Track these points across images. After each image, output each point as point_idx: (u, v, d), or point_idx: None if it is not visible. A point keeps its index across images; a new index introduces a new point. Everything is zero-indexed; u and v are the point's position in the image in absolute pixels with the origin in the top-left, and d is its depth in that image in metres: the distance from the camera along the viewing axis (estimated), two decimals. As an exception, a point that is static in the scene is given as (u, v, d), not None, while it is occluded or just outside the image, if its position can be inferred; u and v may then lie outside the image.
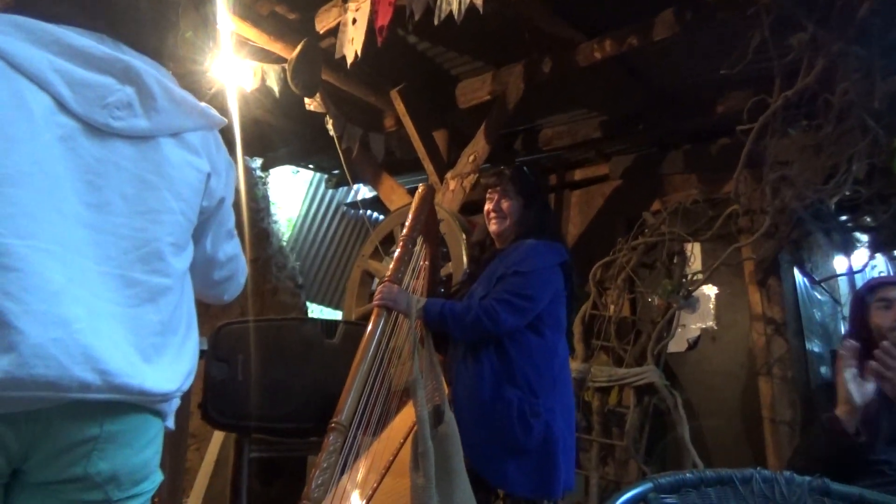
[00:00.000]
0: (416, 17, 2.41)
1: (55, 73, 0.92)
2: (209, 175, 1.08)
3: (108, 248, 0.94)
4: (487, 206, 2.23)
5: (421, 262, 2.27)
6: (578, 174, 4.56)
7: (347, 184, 5.49)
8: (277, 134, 4.42)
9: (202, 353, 2.37)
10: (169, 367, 0.99)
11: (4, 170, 0.86)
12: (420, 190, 2.21)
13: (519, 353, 1.96)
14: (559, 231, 2.56)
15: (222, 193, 1.13)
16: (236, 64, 3.04)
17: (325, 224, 6.03)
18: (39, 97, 0.91)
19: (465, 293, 2.19)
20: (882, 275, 2.83)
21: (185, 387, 1.03)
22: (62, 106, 0.93)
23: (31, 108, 0.90)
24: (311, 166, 5.33)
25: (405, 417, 2.10)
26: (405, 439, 2.01)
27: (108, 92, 0.96)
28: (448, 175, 3.69)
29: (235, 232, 1.24)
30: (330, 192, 5.91)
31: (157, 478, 1.02)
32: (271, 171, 5.29)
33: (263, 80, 3.13)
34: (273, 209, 5.32)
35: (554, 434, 1.90)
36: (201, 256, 1.15)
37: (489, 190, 2.24)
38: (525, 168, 2.33)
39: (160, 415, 1.01)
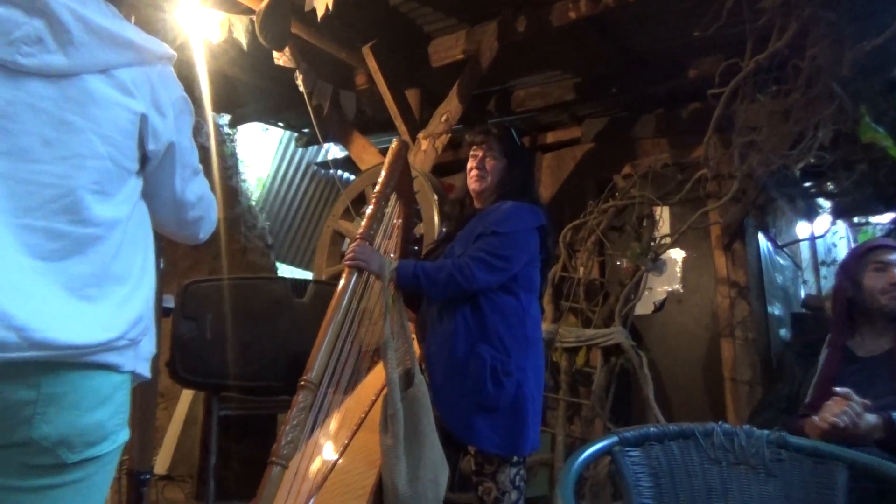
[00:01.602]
0: (390, -30, 2.35)
1: None
2: (145, 116, 1.00)
3: (28, 198, 0.88)
4: (470, 164, 2.21)
5: (394, 221, 2.25)
6: (551, 137, 4.55)
7: (318, 143, 5.41)
8: (246, 89, 4.31)
9: (168, 311, 2.33)
10: (108, 316, 0.93)
11: None
12: (394, 145, 2.17)
13: (493, 312, 1.97)
14: (539, 194, 2.56)
15: (171, 136, 1.06)
16: (202, 14, 2.93)
17: (296, 183, 5.94)
18: None
19: (441, 252, 2.19)
20: (880, 238, 2.90)
21: (132, 334, 0.97)
22: None
23: None
24: (280, 124, 5.22)
25: (376, 376, 2.11)
26: (377, 397, 2.03)
27: (13, 26, 0.89)
28: (420, 135, 3.65)
29: (201, 169, 1.18)
30: (300, 150, 5.81)
31: (121, 437, 0.98)
32: (240, 128, 5.17)
33: (231, 31, 3.03)
34: (242, 168, 5.22)
35: (524, 393, 1.93)
36: (170, 198, 1.11)
37: (473, 147, 2.22)
38: (511, 129, 2.31)
39: (113, 368, 0.95)
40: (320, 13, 2.64)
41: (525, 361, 1.98)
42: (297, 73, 3.25)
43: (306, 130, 5.27)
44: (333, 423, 2.02)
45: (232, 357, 2.54)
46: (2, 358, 0.83)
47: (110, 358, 0.94)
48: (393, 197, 2.19)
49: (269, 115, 4.96)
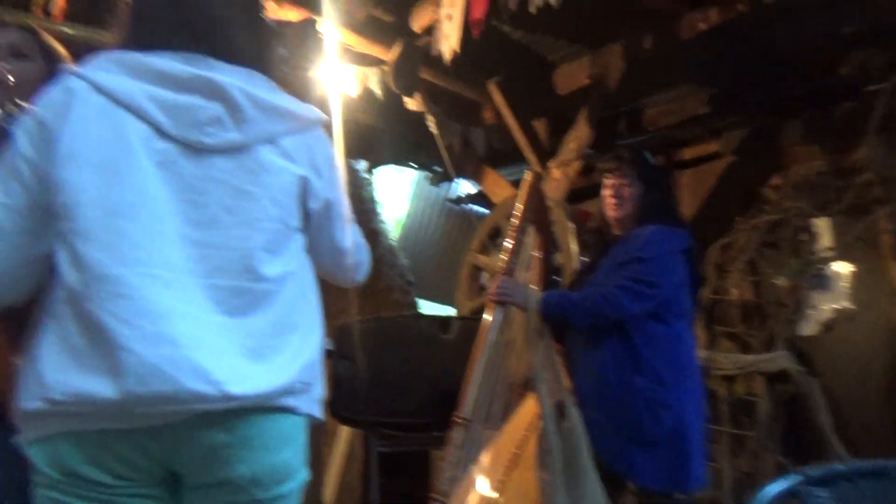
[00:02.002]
0: (512, 8, 2.39)
1: (150, 101, 0.97)
2: (306, 178, 1.09)
3: (215, 261, 0.98)
4: (606, 192, 2.17)
5: (532, 253, 2.25)
6: (688, 153, 4.35)
7: (450, 180, 5.54)
8: (379, 135, 4.51)
9: (328, 353, 2.46)
10: (286, 363, 1.01)
11: (111, 204, 0.93)
12: (527, 178, 2.19)
13: (644, 342, 1.90)
14: (681, 216, 2.46)
15: (328, 193, 1.14)
16: (339, 70, 3.13)
17: (432, 221, 6.10)
18: (138, 127, 0.97)
19: (584, 282, 2.15)
20: None
21: (306, 378, 1.04)
22: (159, 131, 0.98)
23: (131, 140, 0.96)
24: (413, 164, 5.41)
25: (527, 410, 2.09)
26: (528, 431, 2.01)
27: (198, 111, 0.99)
28: (551, 164, 3.63)
29: (353, 218, 1.25)
30: (434, 188, 5.97)
31: (302, 476, 1.05)
32: (376, 171, 5.42)
33: (366, 83, 3.21)
34: (380, 209, 5.45)
35: (684, 425, 1.84)
36: (329, 249, 1.18)
37: (606, 175, 2.18)
38: (644, 152, 2.25)
39: (292, 411, 1.03)
40: (447, 57, 2.72)
41: (682, 391, 1.89)
42: (428, 115, 3.37)
43: (438, 169, 5.42)
44: (487, 459, 2.02)
45: (384, 394, 2.62)
46: (205, 408, 0.92)
47: (289, 401, 1.01)
48: (530, 229, 2.19)
49: (402, 157, 5.16)
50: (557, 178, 3.57)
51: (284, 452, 1.02)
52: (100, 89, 0.96)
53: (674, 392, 1.85)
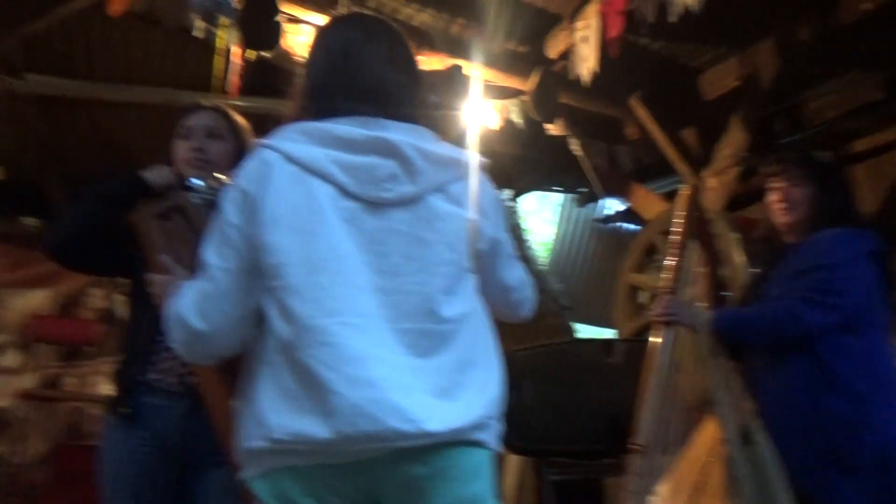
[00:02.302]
0: (651, 20, 2.34)
1: (334, 165, 1.07)
2: (475, 220, 1.14)
3: (402, 306, 1.05)
4: (773, 197, 2.02)
5: (697, 269, 2.16)
6: (860, 145, 3.97)
7: (596, 200, 5.45)
8: (522, 163, 4.56)
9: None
10: (473, 399, 1.06)
11: (311, 261, 1.02)
12: (683, 191, 2.12)
13: (837, 357, 1.74)
14: (862, 215, 2.23)
15: (494, 233, 1.19)
16: (480, 105, 3.22)
17: (580, 242, 6.03)
18: (326, 189, 1.06)
19: (756, 296, 2.02)
20: None
21: (492, 412, 1.09)
22: (344, 191, 1.07)
23: (321, 202, 1.05)
24: (558, 188, 5.40)
25: (706, 434, 1.98)
26: (710, 457, 1.90)
27: (376, 169, 1.08)
28: (705, 173, 3.47)
29: (517, 255, 1.29)
30: (580, 210, 5.91)
31: None
32: (520, 199, 5.47)
33: (507, 115, 3.27)
34: (527, 235, 5.48)
35: (891, 447, 1.65)
36: (497, 287, 1.22)
37: (771, 179, 2.04)
38: (811, 151, 2.10)
39: (481, 444, 1.07)
40: (586, 79, 2.72)
41: (885, 409, 1.70)
42: (571, 138, 3.36)
43: (583, 190, 5.36)
44: (666, 488, 1.94)
45: (552, 422, 2.61)
46: (405, 445, 0.99)
47: (479, 435, 1.06)
48: (692, 244, 2.11)
49: (546, 182, 5.17)
50: (714, 188, 3.40)
51: (476, 484, 1.06)
52: (290, 158, 1.07)
53: (876, 411, 1.67)
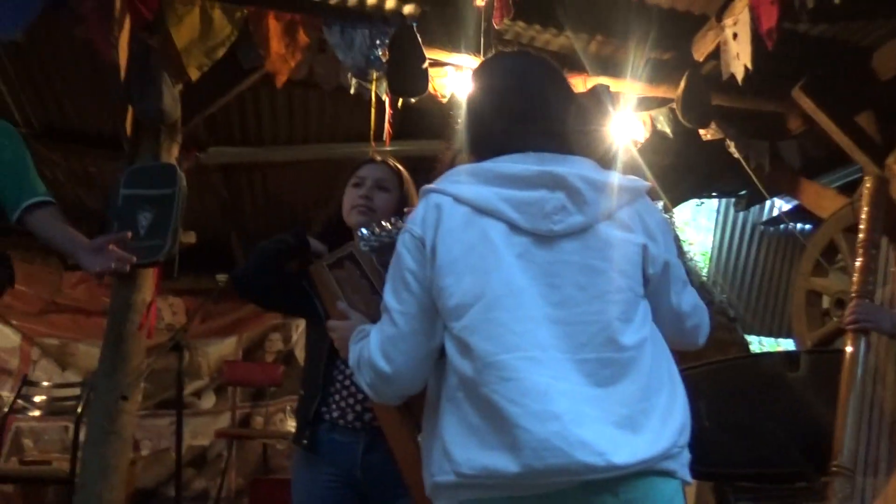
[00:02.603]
0: (811, 4, 2.19)
1: (503, 203, 1.09)
2: (645, 246, 1.13)
3: (578, 337, 1.04)
4: None
5: (892, 269, 1.95)
6: None
7: (759, 202, 5.10)
8: (673, 172, 4.39)
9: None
10: (660, 428, 1.03)
11: (486, 299, 1.05)
12: (867, 183, 1.94)
13: None
14: None
15: (664, 256, 1.16)
16: (626, 119, 3.16)
17: (744, 249, 5.65)
18: (497, 227, 1.09)
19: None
20: None
21: (680, 440, 1.05)
22: (514, 227, 1.09)
23: (493, 240, 1.08)
24: (714, 194, 5.12)
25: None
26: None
27: (545, 203, 1.09)
28: (890, 160, 3.13)
29: (688, 280, 1.25)
30: (741, 214, 5.55)
31: None
32: (675, 210, 5.24)
33: (654, 126, 3.18)
34: (685, 247, 5.23)
35: None
36: (669, 313, 1.19)
37: None
38: None
39: (670, 474, 1.04)
40: (740, 76, 2.58)
41: None
42: (728, 141, 3.19)
43: (743, 193, 5.04)
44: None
45: (732, 444, 2.44)
46: (595, 478, 0.98)
47: (669, 465, 1.03)
48: (883, 241, 1.92)
49: (701, 189, 4.92)
50: (901, 176, 3.06)
51: None
52: (461, 200, 1.11)
53: None
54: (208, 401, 4.73)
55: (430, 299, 1.10)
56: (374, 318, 1.29)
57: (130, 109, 2.69)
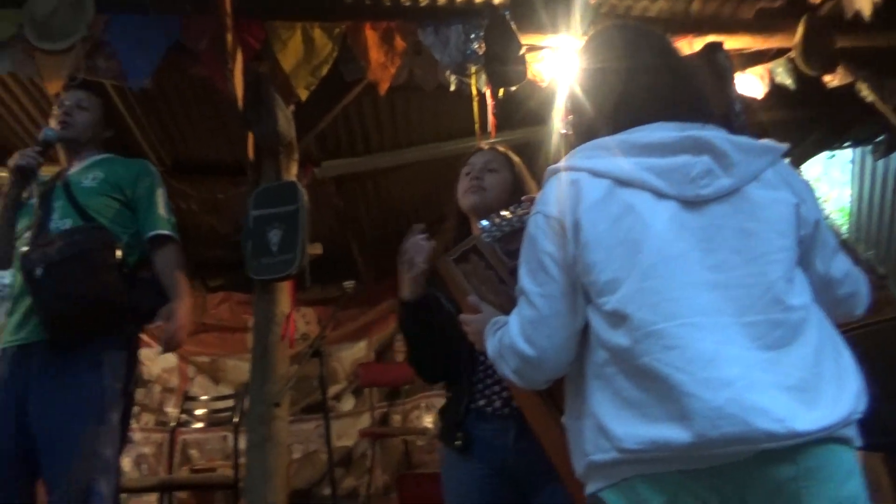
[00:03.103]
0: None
1: (645, 171, 1.08)
2: (797, 205, 1.09)
3: (741, 300, 1.01)
4: None
5: None
6: None
7: (900, 146, 4.65)
8: (797, 127, 4.10)
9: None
10: (837, 393, 0.98)
11: (639, 269, 1.03)
12: None
13: None
14: None
15: (815, 216, 1.12)
16: (742, 78, 2.98)
17: (888, 199, 5.17)
18: (641, 196, 1.07)
19: None
20: None
21: (861, 407, 1.00)
22: (659, 195, 1.07)
23: (638, 210, 1.06)
24: (847, 144, 4.72)
25: None
26: None
27: (690, 167, 1.07)
28: None
29: (840, 247, 1.19)
30: (881, 162, 5.08)
31: None
32: (803, 166, 4.89)
33: (772, 79, 2.98)
34: (823, 205, 4.87)
35: None
36: (817, 279, 1.13)
37: None
38: None
39: (849, 442, 0.99)
40: (868, 11, 2.37)
41: None
42: (859, 84, 2.94)
43: (881, 138, 4.61)
44: None
45: (902, 410, 2.25)
46: (773, 446, 0.94)
47: (847, 432, 0.99)
48: None
49: (830, 141, 4.56)
50: None
51: (849, 485, 0.97)
52: (599, 174, 1.11)
53: None
54: (347, 403, 4.94)
55: (571, 279, 1.10)
56: (504, 307, 1.30)
57: (250, 135, 2.86)
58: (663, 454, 0.97)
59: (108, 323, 1.91)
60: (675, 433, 0.95)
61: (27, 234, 1.99)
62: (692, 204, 1.06)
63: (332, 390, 4.84)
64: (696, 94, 1.17)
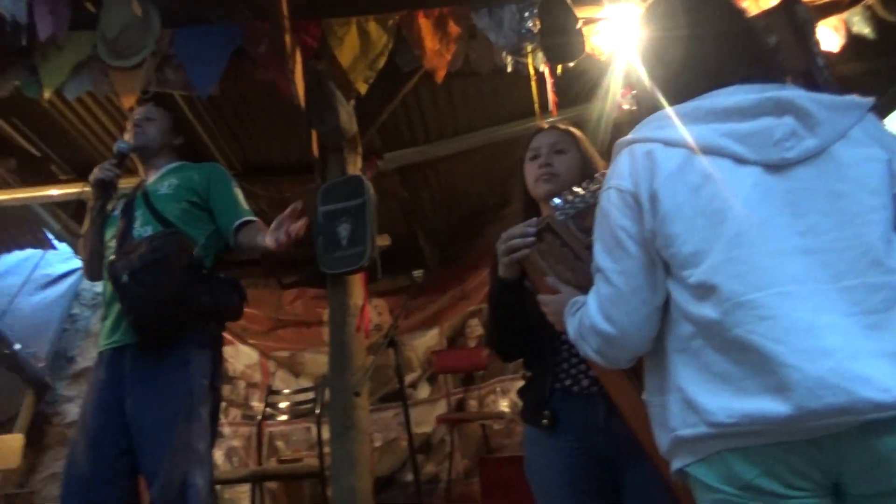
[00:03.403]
0: None
1: (724, 137, 1.04)
2: (889, 161, 1.04)
3: (836, 264, 0.97)
4: None
5: None
6: None
7: None
8: (877, 79, 3.84)
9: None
10: None
11: (725, 239, 0.99)
12: None
13: None
14: None
15: None
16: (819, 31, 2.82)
17: None
18: (721, 163, 1.04)
19: None
20: None
21: None
22: (741, 161, 1.03)
23: (721, 177, 1.03)
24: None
25: None
26: None
27: (772, 130, 1.02)
28: None
29: None
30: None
31: None
32: (885, 120, 4.60)
33: (848, 30, 2.81)
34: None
35: None
36: None
37: None
38: None
39: None
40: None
41: None
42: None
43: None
44: None
45: None
46: (878, 416, 0.89)
47: None
48: None
49: (917, 91, 4.26)
50: None
51: None
52: (672, 144, 1.08)
53: None
54: (423, 390, 5.01)
55: (649, 254, 1.07)
56: (582, 284, 1.28)
57: (314, 133, 2.91)
58: (758, 427, 0.94)
59: (191, 323, 2.00)
60: (772, 405, 0.92)
61: (113, 243, 2.10)
62: (776, 168, 1.02)
63: (408, 378, 4.91)
64: (771, 54, 1.14)
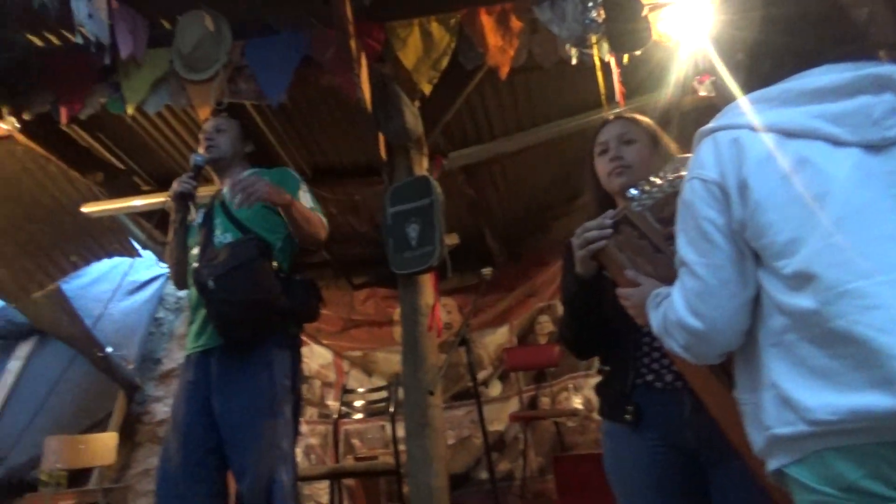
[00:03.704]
0: None
1: (817, 119, 0.99)
2: None
3: None
4: None
5: None
6: None
7: None
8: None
9: None
10: None
11: (824, 225, 0.94)
12: None
13: None
14: None
15: None
16: None
17: None
18: (815, 146, 0.98)
19: None
20: None
21: None
22: (836, 143, 0.98)
23: (814, 161, 0.98)
24: None
25: None
26: None
27: (871, 109, 0.97)
28: None
29: None
30: None
31: None
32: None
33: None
34: None
35: None
36: None
37: None
38: None
39: None
40: None
41: None
42: None
43: None
44: None
45: None
46: None
47: None
48: None
49: None
50: None
51: None
52: (760, 129, 1.03)
53: None
54: (495, 388, 5.00)
55: (737, 245, 1.03)
56: (662, 276, 1.25)
57: (381, 136, 2.95)
58: (864, 424, 0.89)
59: (272, 324, 2.06)
60: (880, 401, 0.87)
61: (196, 252, 2.19)
62: (877, 148, 0.96)
63: (480, 376, 4.91)
64: (863, 28, 1.06)
